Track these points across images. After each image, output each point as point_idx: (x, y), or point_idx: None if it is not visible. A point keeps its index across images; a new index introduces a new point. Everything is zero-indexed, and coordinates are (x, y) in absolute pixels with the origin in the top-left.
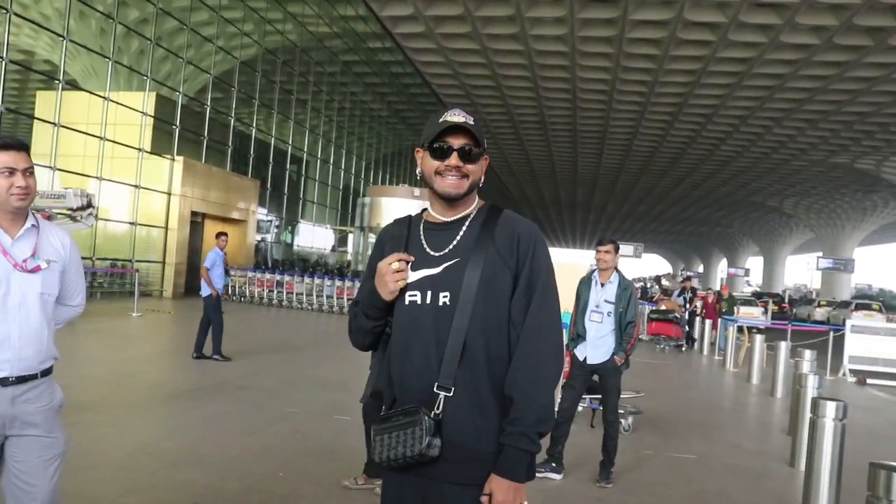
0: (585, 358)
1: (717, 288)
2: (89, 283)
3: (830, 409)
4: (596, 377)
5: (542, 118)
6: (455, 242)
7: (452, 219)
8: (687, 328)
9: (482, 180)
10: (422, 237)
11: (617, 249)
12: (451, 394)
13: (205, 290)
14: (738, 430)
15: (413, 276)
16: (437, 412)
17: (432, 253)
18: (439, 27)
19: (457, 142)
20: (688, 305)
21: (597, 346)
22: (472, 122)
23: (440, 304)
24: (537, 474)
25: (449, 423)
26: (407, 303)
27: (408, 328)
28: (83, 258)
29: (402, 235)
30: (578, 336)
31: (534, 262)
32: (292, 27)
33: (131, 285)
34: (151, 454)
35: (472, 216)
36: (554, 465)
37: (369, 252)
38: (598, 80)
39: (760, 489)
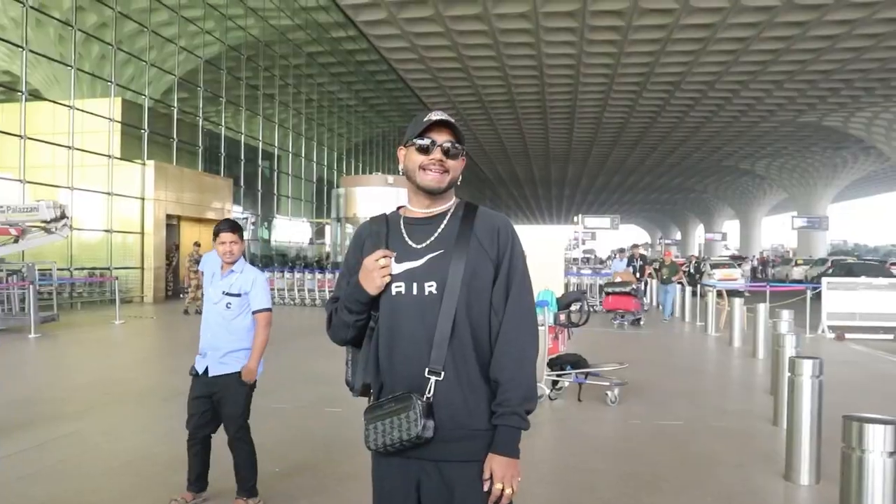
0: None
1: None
2: (68, 293)
3: (807, 366)
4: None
5: (511, 96)
6: (436, 235)
7: (432, 213)
8: (645, 301)
9: (459, 179)
10: (403, 231)
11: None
12: (442, 377)
13: None
14: (723, 394)
15: (397, 268)
16: (429, 396)
17: (414, 245)
18: (402, 12)
19: (440, 138)
20: (638, 275)
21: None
22: (453, 121)
23: (426, 293)
24: None
25: (441, 405)
26: (393, 293)
27: (395, 318)
28: (60, 269)
29: (381, 232)
30: None
31: (513, 254)
32: (254, 21)
33: (111, 293)
34: (146, 458)
35: (450, 211)
36: None
37: (347, 242)
38: (564, 55)
39: (746, 449)
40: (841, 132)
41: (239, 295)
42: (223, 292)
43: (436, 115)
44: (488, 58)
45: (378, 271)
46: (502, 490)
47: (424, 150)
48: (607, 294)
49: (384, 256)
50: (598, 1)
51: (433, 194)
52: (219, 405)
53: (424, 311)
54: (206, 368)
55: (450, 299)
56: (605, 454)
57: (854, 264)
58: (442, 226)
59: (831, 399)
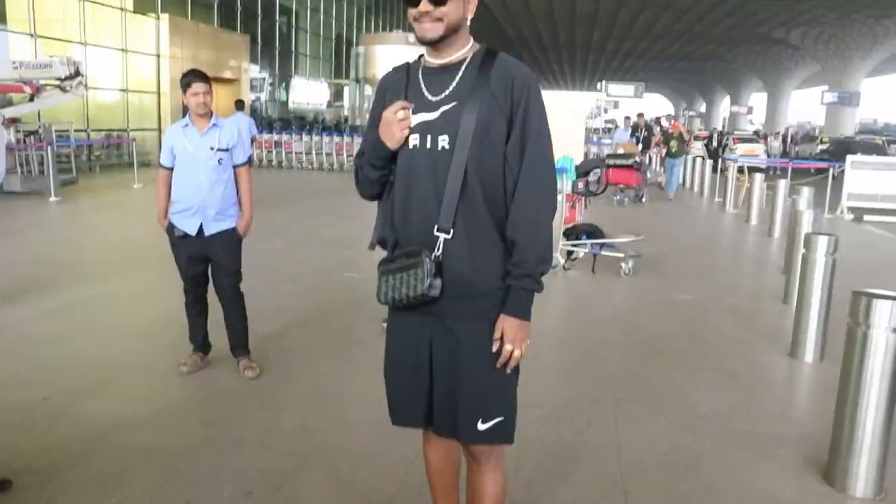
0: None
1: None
2: (86, 156)
3: (822, 243)
4: None
5: None
6: (452, 87)
7: (448, 61)
8: (648, 176)
9: (468, 19)
10: (421, 82)
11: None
12: (451, 236)
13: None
14: (735, 271)
15: (414, 119)
16: (438, 254)
17: (430, 98)
18: None
19: None
20: (642, 147)
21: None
22: None
23: (439, 148)
24: None
25: (450, 263)
26: (410, 147)
27: (409, 173)
28: (77, 131)
29: (401, 82)
30: None
31: (528, 108)
32: None
33: (129, 156)
34: (170, 322)
35: (467, 60)
36: None
37: (367, 105)
38: None
39: (753, 325)
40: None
41: (228, 150)
42: (212, 148)
43: None
44: None
45: (397, 124)
46: (511, 351)
47: (412, 2)
48: (608, 167)
49: (403, 108)
50: None
51: (435, 44)
52: (215, 263)
53: (437, 166)
54: (200, 227)
55: (460, 155)
56: (615, 325)
57: (852, 142)
58: (458, 76)
59: (842, 279)
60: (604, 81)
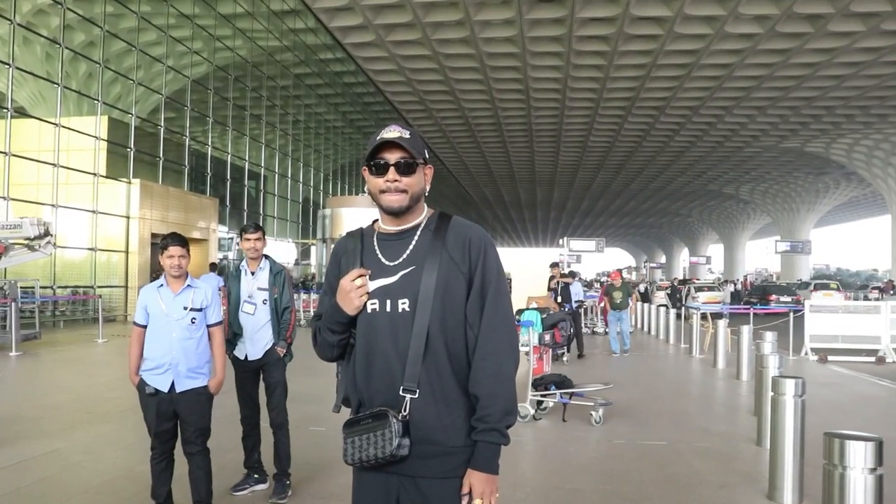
0: (246, 355)
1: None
2: (51, 311)
3: (790, 386)
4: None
5: (497, 119)
6: (409, 251)
7: (403, 228)
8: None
9: (427, 190)
10: (376, 248)
11: (264, 234)
12: (417, 395)
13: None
14: (707, 415)
15: (371, 285)
16: (405, 414)
17: (387, 263)
18: (390, 35)
19: (392, 156)
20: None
21: (255, 341)
22: (406, 136)
23: (399, 310)
24: (240, 492)
25: (416, 422)
26: (368, 311)
27: (370, 336)
28: (43, 287)
29: (356, 249)
30: (235, 334)
31: (485, 266)
32: (242, 42)
33: (94, 311)
34: (129, 478)
35: (422, 225)
36: (256, 475)
37: None
38: (550, 80)
39: (729, 469)
40: (823, 158)
41: (201, 309)
42: (185, 308)
43: (386, 133)
44: (475, 81)
45: (355, 291)
46: None
47: (379, 172)
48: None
49: (360, 276)
50: (584, 27)
51: (398, 215)
52: (184, 419)
53: (398, 328)
54: (172, 384)
55: (422, 316)
56: (589, 474)
57: (769, 286)
58: (414, 241)
59: (814, 420)
60: (565, 237)
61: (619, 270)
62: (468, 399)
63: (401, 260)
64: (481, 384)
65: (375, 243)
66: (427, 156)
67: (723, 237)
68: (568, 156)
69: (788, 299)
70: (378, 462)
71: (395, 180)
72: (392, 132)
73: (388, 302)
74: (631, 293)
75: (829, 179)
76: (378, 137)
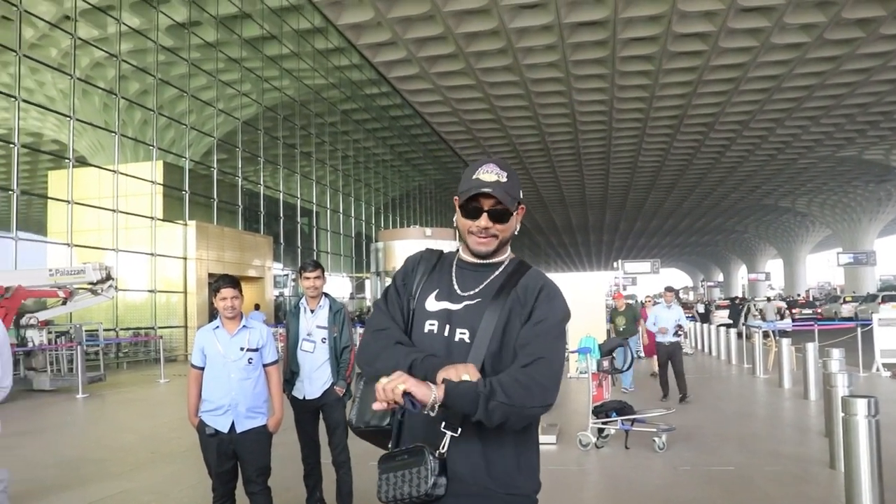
0: (304, 395)
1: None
2: (114, 353)
3: (861, 406)
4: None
5: (545, 144)
6: (483, 286)
7: (484, 262)
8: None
9: (517, 229)
10: (453, 273)
11: (323, 272)
12: (459, 433)
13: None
14: (775, 437)
15: (435, 305)
16: (443, 452)
17: (458, 291)
18: (433, 67)
19: (486, 202)
20: None
21: (313, 380)
22: (504, 179)
23: (456, 339)
24: None
25: (457, 459)
26: (425, 331)
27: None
28: (106, 329)
29: (431, 263)
30: (293, 373)
31: (550, 306)
32: (289, 82)
33: (156, 352)
34: None
35: (503, 265)
36: None
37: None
38: (595, 102)
39: (802, 494)
40: (883, 164)
41: (258, 349)
42: (241, 349)
43: (483, 174)
44: (521, 107)
45: (389, 394)
46: None
47: (471, 216)
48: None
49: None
50: (627, 47)
51: (484, 257)
52: (244, 459)
53: (452, 355)
54: (232, 425)
55: (478, 349)
56: (654, 501)
57: (791, 301)
58: (490, 278)
59: (891, 439)
60: (620, 260)
61: (620, 292)
62: (515, 443)
63: (472, 292)
64: (501, 384)
65: (454, 268)
66: (521, 197)
67: (781, 252)
68: (618, 177)
69: (809, 312)
70: (412, 501)
71: (487, 227)
72: (490, 174)
73: (448, 327)
74: (638, 317)
75: (892, 186)
76: (474, 177)
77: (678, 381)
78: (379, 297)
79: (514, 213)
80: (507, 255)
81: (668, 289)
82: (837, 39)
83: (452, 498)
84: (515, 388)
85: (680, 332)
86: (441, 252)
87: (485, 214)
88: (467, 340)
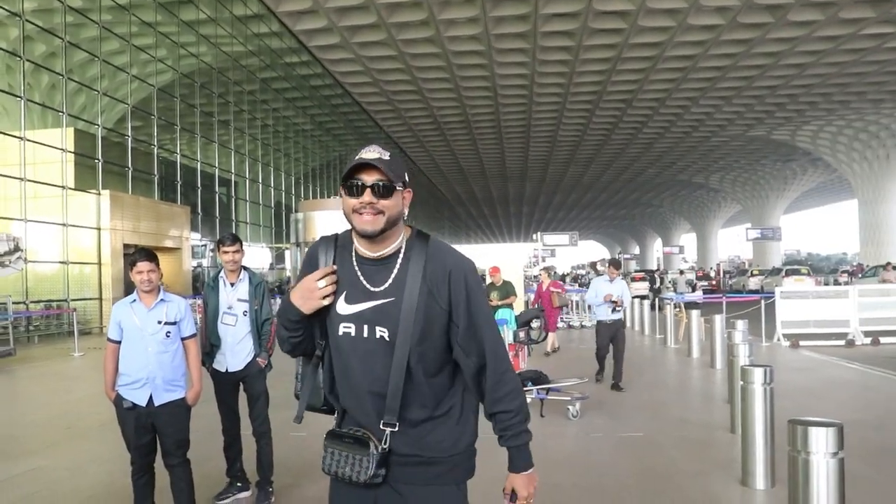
0: (227, 367)
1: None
2: (24, 327)
3: (758, 374)
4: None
5: (466, 117)
6: (391, 280)
7: (382, 254)
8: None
9: (405, 214)
10: (357, 272)
11: (242, 245)
12: (397, 428)
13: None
14: (683, 404)
15: (348, 308)
16: (385, 447)
17: (369, 287)
18: (355, 37)
19: (370, 178)
20: None
21: (236, 352)
22: (386, 157)
23: (377, 336)
24: (224, 500)
25: (398, 446)
26: (340, 334)
27: (346, 359)
28: (16, 303)
29: (331, 256)
30: (213, 346)
31: (470, 297)
32: (206, 49)
33: (69, 325)
34: (112, 493)
35: (402, 250)
36: (239, 484)
37: None
38: (517, 76)
39: (705, 457)
40: (789, 145)
41: (175, 323)
42: (159, 322)
43: (365, 153)
44: (442, 79)
45: (318, 292)
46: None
47: (354, 193)
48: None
49: (327, 276)
50: (548, 22)
51: (371, 238)
52: (163, 432)
53: (375, 354)
54: (150, 398)
55: (402, 349)
56: (568, 468)
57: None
58: (395, 269)
59: (786, 405)
60: (539, 232)
61: (497, 266)
62: (447, 414)
63: (383, 287)
64: (505, 402)
65: (356, 267)
66: (407, 179)
67: (695, 226)
68: (538, 151)
69: (705, 284)
70: (352, 482)
71: (371, 202)
72: (371, 153)
73: (366, 327)
74: (511, 293)
75: (797, 166)
76: (357, 157)
77: (616, 366)
78: (299, 268)
79: (401, 193)
80: (399, 238)
81: (614, 262)
82: (749, 23)
83: (398, 467)
84: (512, 398)
85: (618, 308)
86: (336, 236)
87: (368, 190)
88: (387, 339)
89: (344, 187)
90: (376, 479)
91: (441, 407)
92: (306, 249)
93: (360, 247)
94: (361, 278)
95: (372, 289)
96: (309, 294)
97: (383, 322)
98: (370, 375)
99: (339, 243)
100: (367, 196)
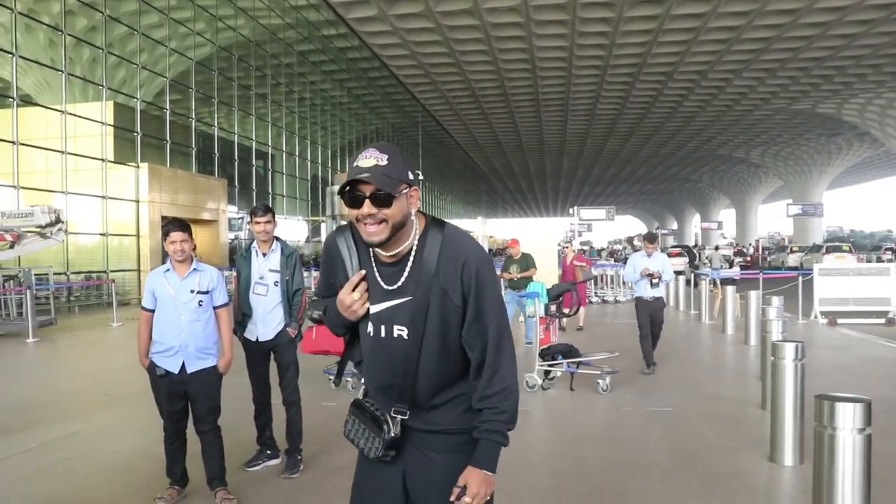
0: (257, 337)
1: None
2: (65, 297)
3: (789, 350)
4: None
5: (504, 90)
6: (404, 277)
7: (397, 255)
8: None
9: (412, 211)
10: (375, 270)
11: (274, 216)
12: (408, 416)
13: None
14: (714, 380)
15: (371, 309)
16: (396, 433)
17: (386, 287)
18: (392, 9)
19: (368, 188)
20: None
21: (266, 322)
22: (384, 163)
23: (395, 335)
24: (254, 467)
25: (413, 426)
26: (366, 332)
27: (370, 353)
28: (57, 273)
29: (350, 250)
30: (245, 315)
31: (480, 290)
32: (244, 22)
33: (108, 296)
34: (146, 458)
35: (415, 247)
36: (269, 451)
37: None
38: (555, 48)
39: (734, 433)
40: (835, 119)
41: (208, 292)
42: (192, 291)
43: (362, 160)
44: (480, 52)
45: (356, 304)
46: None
47: (353, 204)
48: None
49: (358, 286)
50: None
51: (379, 246)
52: (195, 399)
53: (396, 354)
54: (183, 365)
55: (415, 347)
56: (596, 441)
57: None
58: (408, 267)
59: (820, 382)
60: (576, 207)
61: (516, 238)
62: (460, 398)
63: (397, 286)
64: (495, 399)
65: (374, 265)
66: (411, 177)
67: (734, 202)
68: (576, 124)
69: (739, 260)
70: (363, 453)
71: (371, 213)
72: (368, 160)
73: (383, 328)
74: (528, 267)
75: (842, 140)
76: (354, 165)
77: (650, 346)
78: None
79: (403, 195)
80: (411, 236)
81: (649, 237)
82: None
83: (418, 433)
84: (504, 397)
85: (654, 282)
86: (350, 226)
87: (367, 201)
88: (406, 337)
89: (343, 199)
90: (385, 458)
91: (455, 392)
92: (343, 221)
93: (376, 249)
94: (379, 278)
95: (388, 287)
96: (349, 312)
97: (401, 321)
98: (390, 371)
99: (356, 238)
100: (367, 207)
